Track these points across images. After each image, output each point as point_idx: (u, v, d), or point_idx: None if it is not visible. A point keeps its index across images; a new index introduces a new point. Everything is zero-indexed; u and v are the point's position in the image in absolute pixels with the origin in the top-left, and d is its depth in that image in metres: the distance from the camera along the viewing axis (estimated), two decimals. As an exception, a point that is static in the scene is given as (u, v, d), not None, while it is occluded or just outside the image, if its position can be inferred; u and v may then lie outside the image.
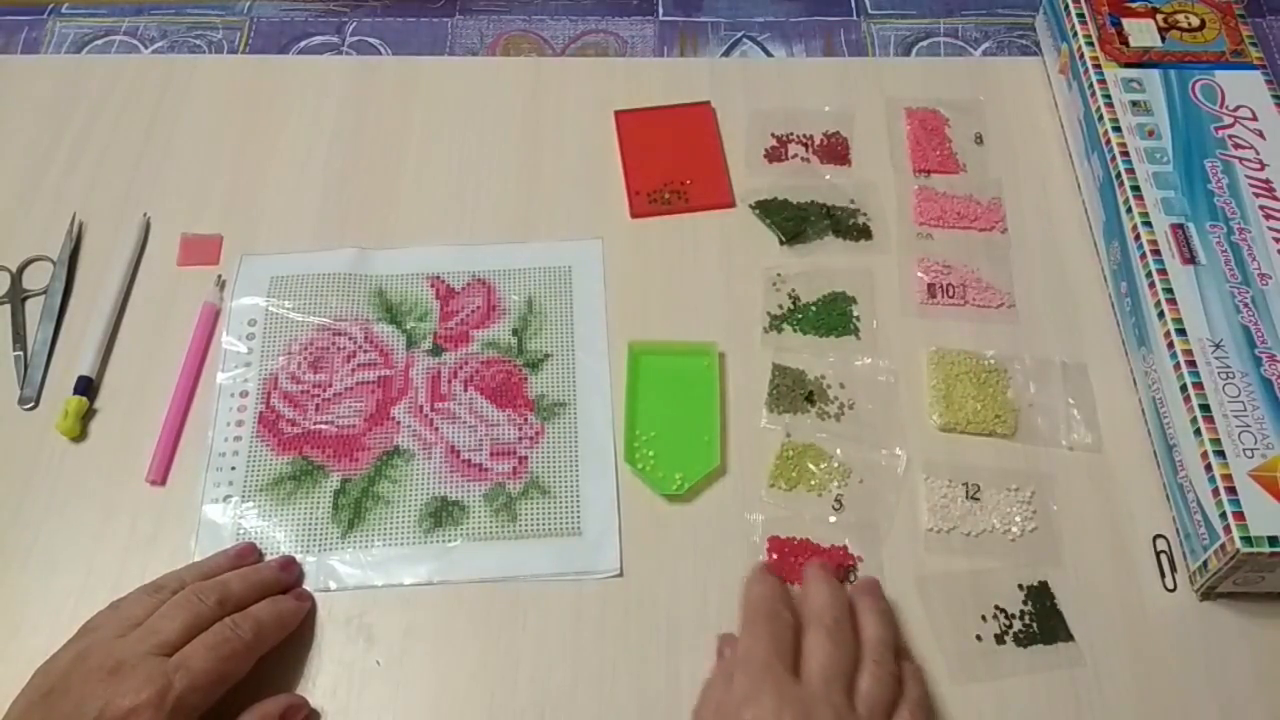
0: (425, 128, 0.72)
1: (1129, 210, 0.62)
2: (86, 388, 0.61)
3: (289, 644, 0.53)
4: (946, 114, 0.73)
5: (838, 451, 0.59)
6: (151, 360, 0.63)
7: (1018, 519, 0.57)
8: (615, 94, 0.74)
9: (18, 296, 0.65)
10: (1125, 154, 0.63)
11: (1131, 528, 0.57)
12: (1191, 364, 0.55)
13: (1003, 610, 0.54)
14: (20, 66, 0.77)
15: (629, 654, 0.53)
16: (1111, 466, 0.59)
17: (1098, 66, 0.68)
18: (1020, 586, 0.55)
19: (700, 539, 0.57)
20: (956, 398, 0.60)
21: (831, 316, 0.64)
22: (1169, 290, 0.58)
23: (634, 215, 0.68)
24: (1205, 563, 0.53)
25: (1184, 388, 0.55)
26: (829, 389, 0.61)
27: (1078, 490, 0.58)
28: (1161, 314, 0.58)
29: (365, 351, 0.63)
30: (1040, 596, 0.55)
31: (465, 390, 0.61)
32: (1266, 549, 0.50)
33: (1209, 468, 0.53)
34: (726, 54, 0.78)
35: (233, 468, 0.59)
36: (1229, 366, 0.55)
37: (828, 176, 0.70)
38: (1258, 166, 0.63)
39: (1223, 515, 0.51)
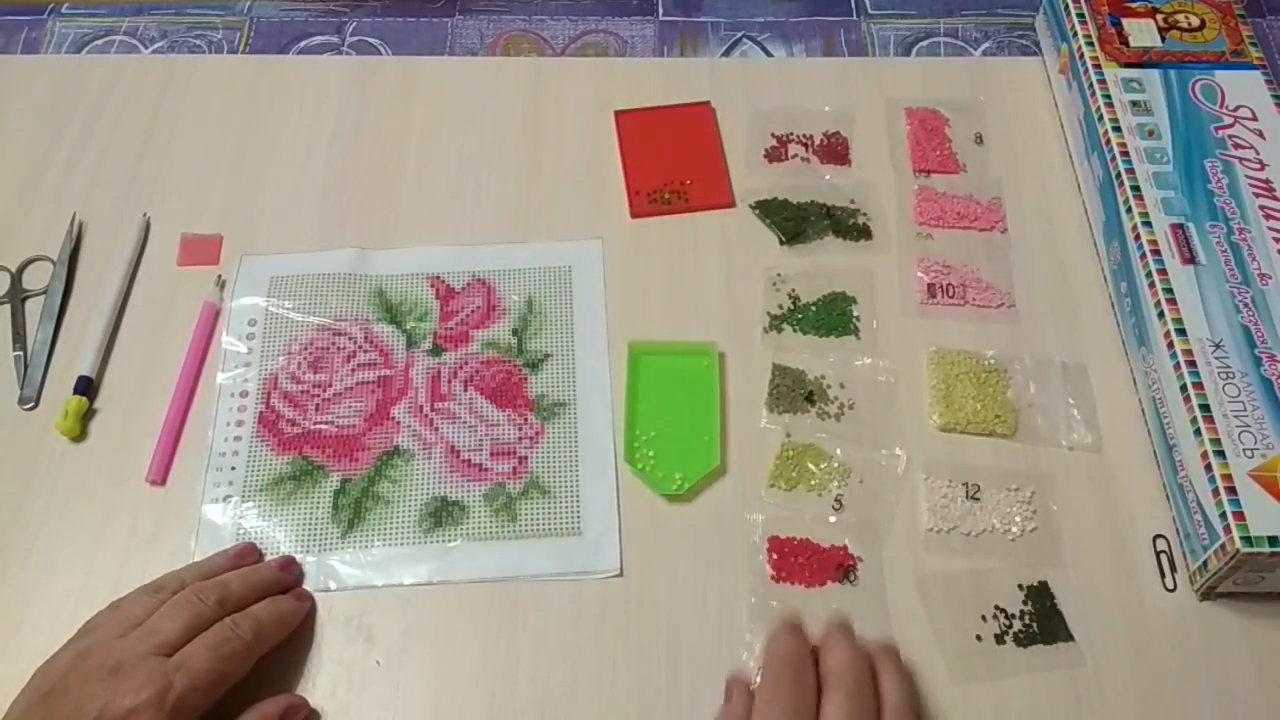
0: (425, 128, 0.72)
1: (1129, 210, 0.62)
2: (86, 388, 0.61)
3: (289, 644, 0.53)
4: (946, 114, 0.73)
5: (838, 451, 0.59)
6: (151, 360, 0.63)
7: (1018, 519, 0.57)
8: (615, 94, 0.74)
9: (18, 296, 0.65)
10: (1125, 154, 0.63)
11: (1131, 528, 0.57)
12: (1191, 364, 0.55)
13: (1003, 610, 0.54)
14: (20, 66, 0.77)
15: (629, 654, 0.53)
16: (1111, 466, 0.59)
17: (1098, 66, 0.68)
18: (1020, 586, 0.55)
19: (700, 539, 0.57)
20: (956, 398, 0.60)
21: (831, 316, 0.64)
22: (1169, 290, 0.58)
23: (634, 215, 0.68)
24: (1205, 563, 0.53)
25: (1184, 388, 0.55)
26: (829, 389, 0.61)
27: (1078, 490, 0.58)
28: (1161, 314, 0.58)
29: (365, 351, 0.63)
30: (1040, 596, 0.55)
31: (465, 390, 0.61)
32: (1266, 549, 0.50)
33: (1209, 468, 0.53)
34: (726, 54, 0.78)
35: (233, 468, 0.59)
36: (1229, 366, 0.55)
37: (828, 176, 0.70)
38: (1258, 166, 0.63)
39: (1223, 515, 0.51)
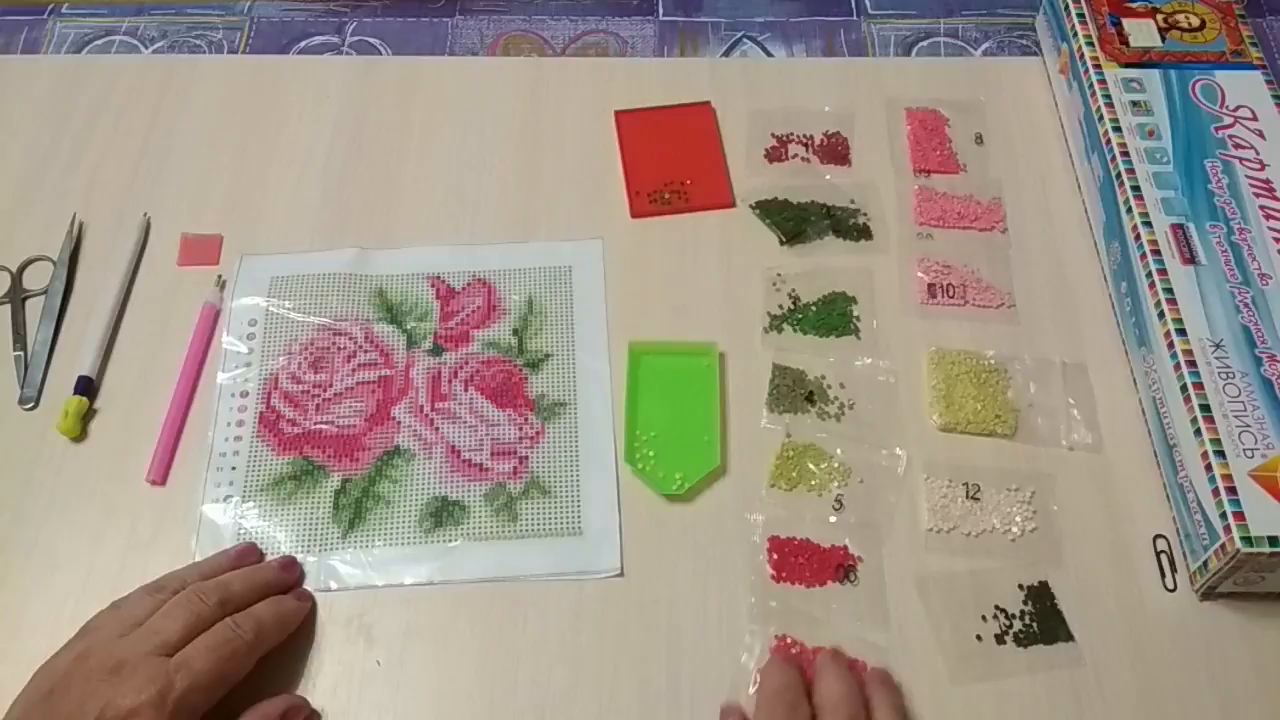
0: (425, 128, 0.72)
1: (1129, 210, 0.62)
2: (86, 388, 0.61)
3: (290, 644, 0.53)
4: (946, 114, 0.73)
5: (838, 451, 0.59)
6: (152, 360, 0.63)
7: (1018, 519, 0.57)
8: (615, 94, 0.74)
9: (18, 296, 0.65)
10: (1125, 154, 0.63)
11: (1131, 528, 0.57)
12: (1192, 364, 0.55)
13: (1003, 610, 0.54)
14: (20, 66, 0.77)
15: (629, 654, 0.53)
16: (1111, 466, 0.59)
17: (1098, 66, 0.68)
18: (1020, 586, 0.55)
19: (700, 539, 0.57)
20: (956, 398, 0.60)
21: (831, 316, 0.64)
22: (1169, 290, 0.58)
23: (634, 215, 0.68)
24: (1205, 563, 0.53)
25: (1184, 388, 0.55)
26: (829, 389, 0.61)
27: (1078, 490, 0.58)
28: (1161, 314, 0.58)
29: (366, 351, 0.63)
30: (1040, 596, 0.55)
31: (466, 390, 0.61)
32: (1266, 549, 0.50)
33: (1209, 468, 0.53)
34: (726, 54, 0.78)
35: (233, 468, 0.59)
36: (1229, 366, 0.55)
37: (828, 176, 0.70)
38: (1258, 166, 0.63)
39: (1223, 515, 0.51)
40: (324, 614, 0.55)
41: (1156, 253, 0.60)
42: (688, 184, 0.69)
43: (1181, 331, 0.57)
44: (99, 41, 0.79)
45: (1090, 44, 0.69)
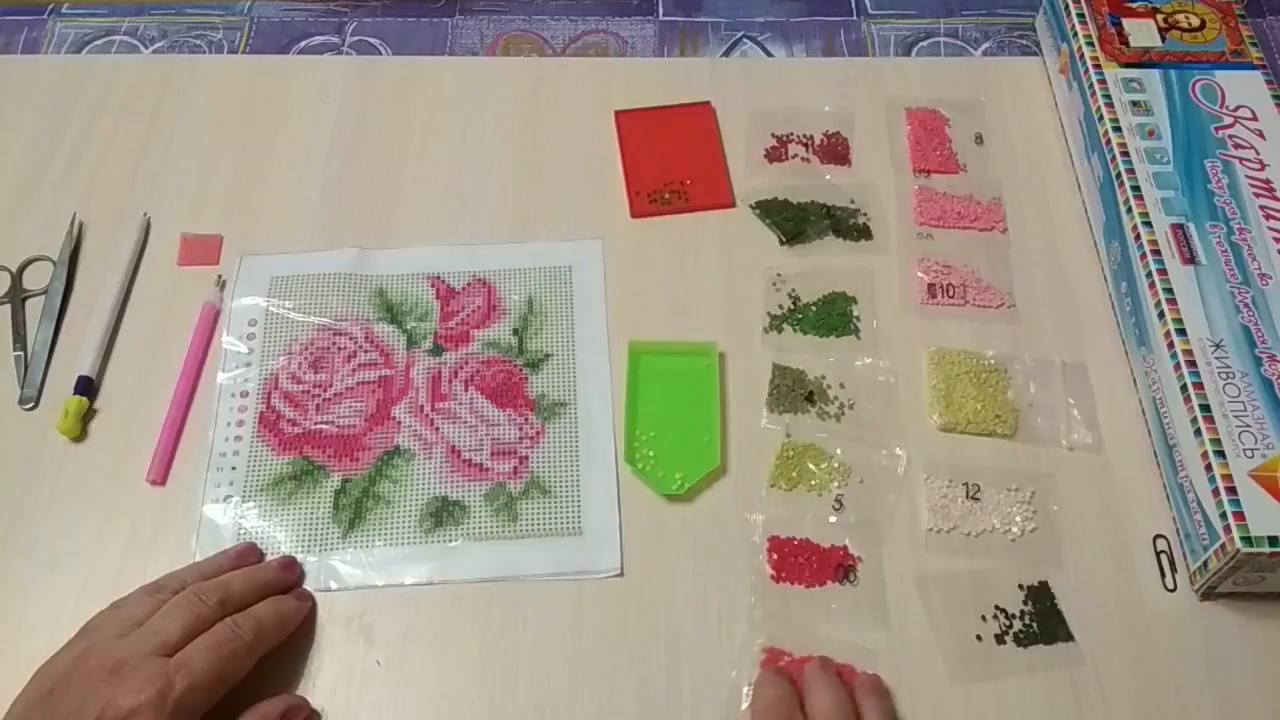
0: (425, 128, 0.72)
1: (1129, 210, 0.62)
2: (86, 388, 0.61)
3: (290, 644, 0.53)
4: (946, 114, 0.73)
5: (838, 451, 0.59)
6: (151, 360, 0.63)
7: (1018, 519, 0.57)
8: (615, 94, 0.74)
9: (18, 296, 0.65)
10: (1125, 154, 0.63)
11: (1131, 528, 0.57)
12: (1192, 364, 0.55)
13: (1003, 610, 0.54)
14: (20, 66, 0.77)
15: (629, 654, 0.53)
16: (1111, 466, 0.59)
17: (1098, 66, 0.68)
18: (1020, 586, 0.55)
19: (700, 539, 0.57)
20: (956, 398, 0.60)
21: (831, 316, 0.64)
22: (1169, 290, 0.58)
23: (634, 215, 0.68)
24: (1205, 563, 0.53)
25: (1184, 388, 0.55)
26: (829, 389, 0.61)
27: (1078, 490, 0.58)
28: (1161, 314, 0.58)
29: (366, 351, 0.63)
30: (1040, 596, 0.55)
31: (466, 390, 0.61)
32: (1266, 549, 0.50)
33: (1209, 468, 0.53)
34: (726, 54, 0.78)
35: (233, 468, 0.59)
36: (1229, 366, 0.55)
37: (828, 176, 0.70)
38: (1258, 166, 0.63)
39: (1223, 515, 0.51)
40: (324, 614, 0.55)
41: (1156, 253, 0.60)
42: (688, 184, 0.69)
43: (1181, 331, 0.57)
44: (99, 41, 0.79)
45: (1090, 44, 0.69)
